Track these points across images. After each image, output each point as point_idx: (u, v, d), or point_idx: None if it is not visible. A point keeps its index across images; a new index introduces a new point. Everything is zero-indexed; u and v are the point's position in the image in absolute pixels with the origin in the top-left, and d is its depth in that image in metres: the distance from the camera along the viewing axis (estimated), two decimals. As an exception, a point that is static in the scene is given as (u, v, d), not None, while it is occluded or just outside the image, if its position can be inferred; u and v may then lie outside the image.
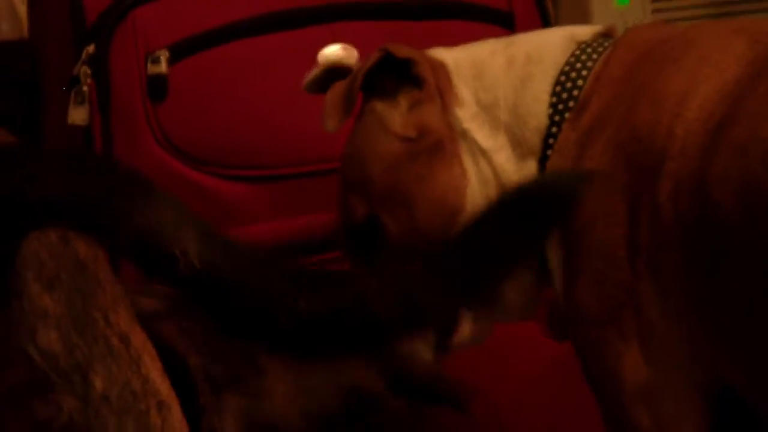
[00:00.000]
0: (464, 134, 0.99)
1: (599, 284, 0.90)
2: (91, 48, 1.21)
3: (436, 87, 1.00)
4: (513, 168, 0.99)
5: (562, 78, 0.97)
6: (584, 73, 0.97)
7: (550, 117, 0.97)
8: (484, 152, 0.99)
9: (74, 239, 0.72)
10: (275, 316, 0.67)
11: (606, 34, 1.00)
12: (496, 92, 0.99)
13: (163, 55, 1.19)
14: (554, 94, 0.97)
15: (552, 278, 0.97)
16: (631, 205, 0.88)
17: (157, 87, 1.20)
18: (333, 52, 1.12)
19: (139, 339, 0.72)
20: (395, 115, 1.00)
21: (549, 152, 0.97)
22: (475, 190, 0.99)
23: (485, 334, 1.04)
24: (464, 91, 1.00)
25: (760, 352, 0.82)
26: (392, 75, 1.00)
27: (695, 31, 0.93)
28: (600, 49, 0.98)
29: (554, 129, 0.96)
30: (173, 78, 1.20)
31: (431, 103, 1.00)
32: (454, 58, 1.02)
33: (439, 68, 1.00)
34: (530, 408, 1.23)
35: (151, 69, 1.19)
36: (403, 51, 0.99)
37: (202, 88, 1.21)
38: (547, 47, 0.99)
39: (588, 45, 0.98)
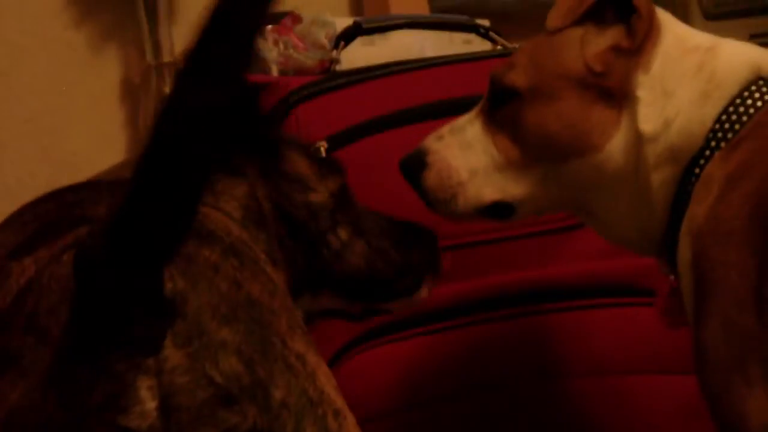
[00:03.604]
0: (634, 100, 0.98)
1: (727, 328, 0.88)
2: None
3: (640, 46, 0.98)
4: (652, 163, 0.97)
5: (731, 109, 0.95)
6: (750, 112, 0.94)
7: (707, 141, 0.95)
8: (638, 131, 0.97)
9: (246, 282, 0.75)
10: None
11: None
12: (677, 88, 0.97)
13: (323, 146, 1.24)
14: (718, 121, 0.95)
15: (677, 279, 0.96)
16: (762, 261, 0.86)
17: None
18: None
19: (313, 359, 0.75)
20: (594, 44, 0.99)
21: (695, 171, 0.95)
22: (615, 148, 0.98)
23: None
24: (658, 63, 0.98)
25: None
26: (614, 7, 0.99)
27: None
28: None
29: (707, 153, 0.95)
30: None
31: (627, 57, 0.98)
32: (672, 30, 1.00)
33: (654, 31, 0.99)
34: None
35: (314, 157, 1.24)
36: (642, 1, 0.99)
37: (355, 172, 1.18)
38: (732, 72, 0.97)
39: (765, 83, 0.95)
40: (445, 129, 1.06)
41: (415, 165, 1.06)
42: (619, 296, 1.29)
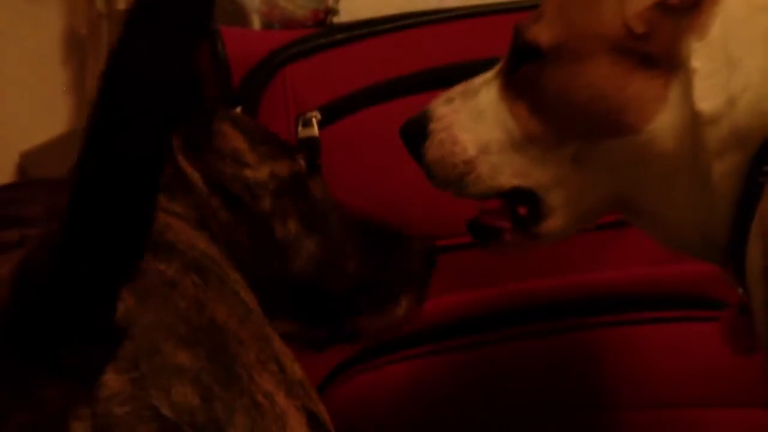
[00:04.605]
0: (687, 72, 0.92)
1: None
2: (237, 110, 1.20)
3: (695, 3, 0.92)
4: (713, 149, 0.91)
5: None
6: None
7: None
8: (693, 110, 0.92)
9: (210, 303, 0.74)
10: None
11: None
12: (744, 57, 0.91)
13: (315, 117, 1.19)
14: None
15: (748, 296, 0.90)
16: None
17: (310, 150, 1.18)
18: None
19: (284, 401, 0.74)
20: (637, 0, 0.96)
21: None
22: (660, 130, 0.92)
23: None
24: (718, 26, 0.92)
25: None
26: None
27: None
28: None
29: None
30: (324, 140, 1.19)
31: (677, 16, 0.92)
32: None
33: None
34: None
35: (303, 132, 1.19)
36: None
37: (355, 149, 1.21)
38: None
39: None
40: (457, 90, 1.02)
41: (416, 132, 1.01)
42: (684, 308, 1.22)
